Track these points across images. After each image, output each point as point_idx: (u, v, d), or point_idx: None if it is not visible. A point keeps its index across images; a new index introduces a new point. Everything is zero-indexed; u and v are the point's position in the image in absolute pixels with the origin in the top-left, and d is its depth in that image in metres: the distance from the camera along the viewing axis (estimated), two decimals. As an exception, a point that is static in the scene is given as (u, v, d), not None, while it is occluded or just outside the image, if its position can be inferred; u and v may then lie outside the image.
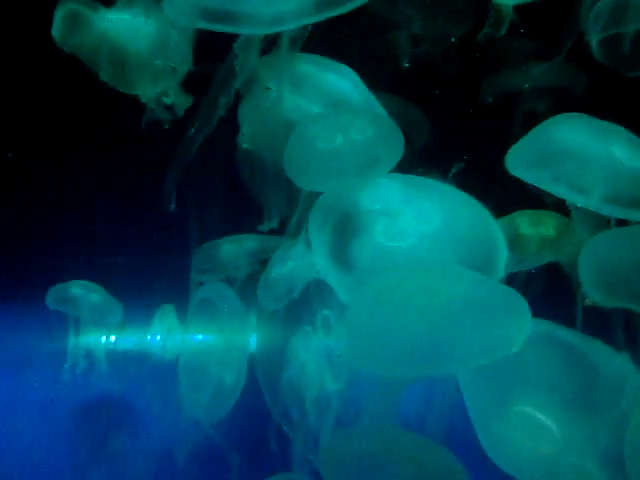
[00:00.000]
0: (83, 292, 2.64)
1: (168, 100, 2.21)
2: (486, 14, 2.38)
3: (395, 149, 1.93)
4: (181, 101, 2.21)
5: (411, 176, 2.20)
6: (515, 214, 2.65)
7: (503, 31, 2.28)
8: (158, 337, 2.63)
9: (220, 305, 2.40)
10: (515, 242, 2.58)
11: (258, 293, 2.43)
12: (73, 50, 2.15)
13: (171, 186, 2.15)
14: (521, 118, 2.74)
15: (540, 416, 1.90)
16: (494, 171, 2.19)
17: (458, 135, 2.81)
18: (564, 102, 2.70)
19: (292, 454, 2.44)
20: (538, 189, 2.03)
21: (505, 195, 2.42)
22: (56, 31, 2.12)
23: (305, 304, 2.41)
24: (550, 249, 2.54)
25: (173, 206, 2.17)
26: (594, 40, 1.97)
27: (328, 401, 2.42)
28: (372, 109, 2.22)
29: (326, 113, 2.03)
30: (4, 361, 2.85)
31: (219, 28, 1.87)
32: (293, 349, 2.47)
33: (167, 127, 2.18)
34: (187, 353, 2.49)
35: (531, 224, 2.60)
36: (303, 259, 2.38)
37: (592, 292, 1.93)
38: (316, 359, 2.46)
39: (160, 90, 2.20)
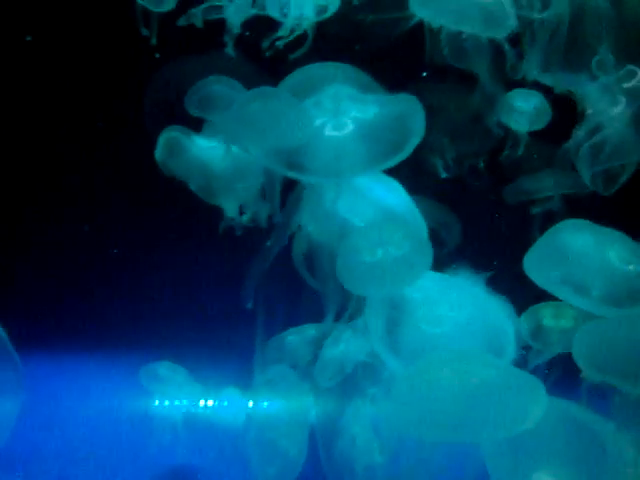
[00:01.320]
0: (170, 373, 3.09)
1: (246, 215, 2.69)
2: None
3: (425, 261, 2.36)
4: (261, 209, 2.67)
5: (445, 274, 2.64)
6: (540, 306, 3.02)
7: (520, 152, 2.75)
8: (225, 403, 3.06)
9: (282, 386, 2.80)
10: (538, 332, 2.94)
11: (314, 372, 2.83)
12: (170, 169, 2.65)
13: (250, 288, 2.60)
14: (539, 220, 3.15)
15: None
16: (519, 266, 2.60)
17: (487, 236, 3.22)
18: (576, 204, 3.10)
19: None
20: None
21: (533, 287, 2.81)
22: (158, 154, 2.62)
23: (356, 382, 2.80)
24: (568, 337, 2.90)
25: (251, 305, 2.62)
26: (585, 175, 2.39)
27: (375, 471, 2.78)
28: (414, 219, 2.67)
29: (371, 227, 2.47)
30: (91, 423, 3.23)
31: (290, 174, 2.38)
32: (345, 423, 2.85)
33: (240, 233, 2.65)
34: (256, 428, 2.88)
35: (553, 316, 2.96)
36: (353, 342, 2.79)
37: (586, 370, 2.30)
38: (365, 432, 2.83)
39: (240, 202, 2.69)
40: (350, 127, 2.32)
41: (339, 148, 2.32)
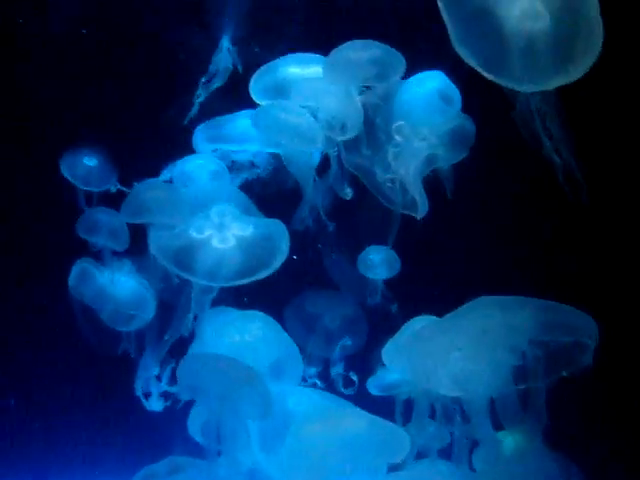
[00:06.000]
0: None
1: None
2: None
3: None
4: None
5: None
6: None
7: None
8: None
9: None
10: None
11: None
12: (79, 295, 3.12)
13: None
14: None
15: None
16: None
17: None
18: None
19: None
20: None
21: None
22: (71, 280, 3.11)
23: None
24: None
25: None
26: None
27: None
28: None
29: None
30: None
31: (177, 272, 2.94)
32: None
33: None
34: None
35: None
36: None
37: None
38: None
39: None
40: (232, 242, 2.92)
41: (220, 258, 2.90)
